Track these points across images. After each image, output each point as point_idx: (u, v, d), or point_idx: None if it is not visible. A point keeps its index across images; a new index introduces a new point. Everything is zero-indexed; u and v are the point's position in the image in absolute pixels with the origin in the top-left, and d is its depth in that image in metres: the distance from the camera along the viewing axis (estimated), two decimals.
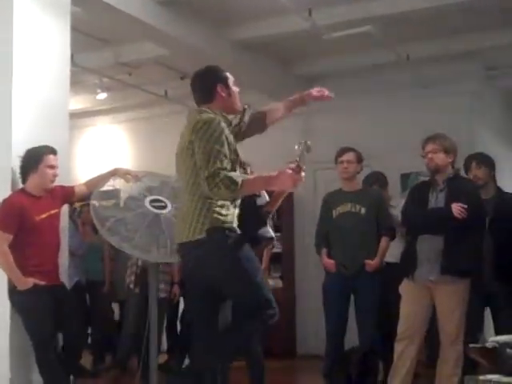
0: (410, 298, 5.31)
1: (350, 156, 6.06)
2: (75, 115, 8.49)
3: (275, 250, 7.89)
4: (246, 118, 4.28)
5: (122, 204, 5.13)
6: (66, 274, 5.50)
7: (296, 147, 3.85)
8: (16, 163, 5.11)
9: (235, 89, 4.13)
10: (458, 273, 5.12)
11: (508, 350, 4.05)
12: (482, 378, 3.98)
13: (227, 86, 4.08)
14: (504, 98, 9.79)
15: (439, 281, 5.16)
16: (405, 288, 5.37)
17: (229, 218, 3.84)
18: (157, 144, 9.84)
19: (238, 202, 3.96)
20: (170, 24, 6.90)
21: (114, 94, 9.39)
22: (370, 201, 6.04)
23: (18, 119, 5.27)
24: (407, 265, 5.33)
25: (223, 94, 4.05)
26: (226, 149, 3.78)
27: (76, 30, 6.11)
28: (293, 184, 3.86)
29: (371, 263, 5.88)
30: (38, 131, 5.33)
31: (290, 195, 9.42)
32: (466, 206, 5.04)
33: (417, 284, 5.27)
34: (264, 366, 5.92)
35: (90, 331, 7.99)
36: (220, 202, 3.81)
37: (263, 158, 8.74)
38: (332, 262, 6.00)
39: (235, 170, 3.85)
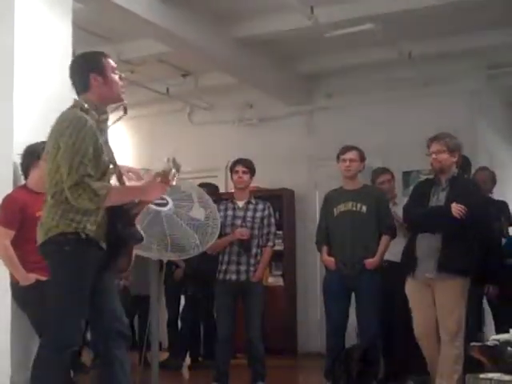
0: (415, 298, 5.41)
1: (352, 154, 6.05)
2: None
3: (276, 248, 7.85)
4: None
5: None
6: None
7: (165, 160, 3.73)
8: (18, 160, 5.12)
9: (114, 76, 3.80)
10: (454, 271, 5.16)
11: (509, 349, 4.06)
12: (482, 376, 3.99)
13: (103, 74, 3.75)
14: (505, 96, 9.79)
15: (437, 278, 5.22)
16: (409, 287, 5.46)
17: (83, 225, 3.63)
18: (158, 141, 9.84)
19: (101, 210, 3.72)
20: (172, 21, 6.89)
21: None
22: (370, 199, 6.04)
23: (19, 116, 5.27)
24: (408, 262, 5.39)
25: (97, 83, 3.74)
26: (90, 153, 3.57)
27: (78, 26, 6.11)
28: (159, 194, 3.84)
29: (371, 261, 5.89)
30: (39, 128, 5.29)
31: (292, 193, 9.43)
32: (464, 208, 5.07)
33: (418, 282, 5.35)
34: (265, 363, 5.94)
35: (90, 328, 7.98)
36: (75, 209, 3.61)
37: (266, 155, 8.81)
38: (332, 259, 6.00)
39: (105, 175, 3.68)
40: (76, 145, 3.54)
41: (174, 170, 3.66)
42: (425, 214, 5.36)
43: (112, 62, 3.85)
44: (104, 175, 3.67)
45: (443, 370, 5.20)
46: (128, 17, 6.53)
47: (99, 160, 3.63)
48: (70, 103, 5.78)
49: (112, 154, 3.81)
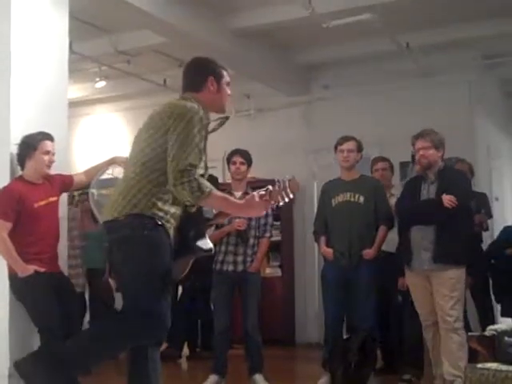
0: (414, 288, 5.48)
1: (350, 145, 6.04)
2: (74, 103, 8.47)
3: (274, 239, 7.88)
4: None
5: None
6: (65, 262, 5.51)
7: (278, 179, 3.53)
8: (15, 151, 5.11)
9: (227, 90, 3.89)
10: (450, 261, 5.23)
11: (506, 339, 4.06)
12: (480, 366, 3.99)
13: (219, 82, 3.83)
14: (503, 86, 9.79)
15: (434, 269, 5.28)
16: (408, 279, 5.55)
17: (162, 214, 3.52)
18: None
19: (181, 204, 3.61)
20: (169, 12, 6.87)
21: (112, 82, 9.38)
22: (368, 190, 6.04)
23: (16, 107, 5.26)
24: (403, 255, 5.48)
25: (212, 88, 3.80)
26: (202, 146, 3.53)
27: (75, 17, 6.09)
28: (258, 213, 3.62)
29: (369, 252, 5.89)
30: (36, 119, 5.32)
31: None
32: (454, 198, 5.15)
33: (415, 274, 5.42)
34: (263, 354, 5.95)
35: (88, 320, 8.00)
36: (163, 196, 3.52)
37: (264, 146, 8.81)
38: (330, 250, 6.01)
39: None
40: (193, 132, 3.48)
41: (286, 191, 3.44)
42: (416, 207, 5.45)
43: (228, 77, 3.91)
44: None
45: (449, 359, 5.23)
46: (125, 7, 6.51)
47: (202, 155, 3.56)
48: (67, 94, 5.83)
49: (206, 158, 3.69)
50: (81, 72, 8.66)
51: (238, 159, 6.04)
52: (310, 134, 9.32)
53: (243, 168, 6.05)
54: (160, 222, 3.51)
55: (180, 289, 8.08)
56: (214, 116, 3.84)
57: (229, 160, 6.12)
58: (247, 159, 6.07)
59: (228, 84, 3.90)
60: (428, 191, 5.44)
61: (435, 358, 5.46)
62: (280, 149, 9.29)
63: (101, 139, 10.65)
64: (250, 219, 5.92)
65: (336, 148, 6.10)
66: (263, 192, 3.49)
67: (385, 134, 8.60)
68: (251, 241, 5.94)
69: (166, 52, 8.58)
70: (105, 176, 5.26)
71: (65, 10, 5.74)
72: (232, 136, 8.84)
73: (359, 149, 6.09)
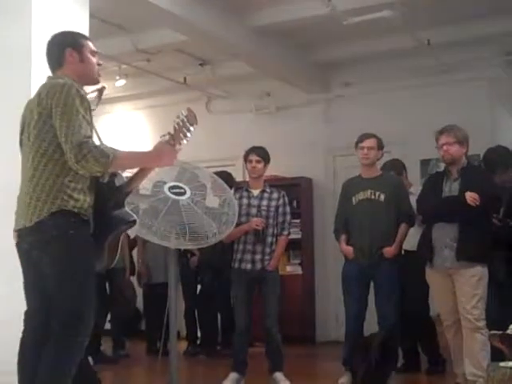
0: (436, 287, 5.50)
1: (371, 142, 6.01)
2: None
3: (294, 236, 7.87)
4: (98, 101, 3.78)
5: (145, 191, 5.11)
6: None
7: (174, 120, 3.47)
8: None
9: (91, 57, 3.64)
10: (472, 259, 5.20)
11: None
12: (502, 364, 3.96)
13: (80, 52, 3.59)
14: None
15: (456, 267, 5.25)
16: (429, 277, 5.53)
17: (81, 204, 3.33)
18: None
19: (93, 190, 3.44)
20: (189, 10, 6.88)
21: (132, 80, 9.41)
22: (389, 187, 6.01)
23: None
24: (425, 253, 5.45)
25: (73, 59, 3.56)
26: (88, 116, 3.34)
27: (95, 16, 6.11)
28: (170, 160, 3.50)
29: (389, 250, 5.86)
30: None
31: (310, 181, 9.41)
32: (478, 196, 5.12)
33: (437, 271, 5.40)
34: (283, 352, 5.94)
35: (109, 318, 8.03)
36: (73, 185, 3.31)
37: (284, 143, 8.80)
38: (350, 248, 5.99)
39: None
40: (76, 104, 3.31)
41: (186, 126, 3.40)
42: (440, 204, 5.41)
43: (92, 46, 3.68)
44: None
45: (472, 359, 5.20)
46: (145, 6, 6.52)
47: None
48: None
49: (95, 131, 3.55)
50: (101, 70, 8.66)
51: (253, 158, 6.04)
52: (330, 132, 9.30)
53: (259, 166, 6.04)
54: (86, 218, 3.35)
55: (199, 286, 8.10)
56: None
57: (245, 158, 6.12)
58: (263, 157, 6.06)
59: (93, 53, 3.67)
60: (450, 189, 5.41)
61: (456, 357, 5.43)
62: (300, 146, 9.28)
63: (121, 137, 10.67)
64: (267, 218, 5.90)
65: (356, 145, 6.08)
66: (166, 137, 3.41)
67: (405, 131, 8.56)
68: (269, 239, 5.93)
69: (186, 50, 8.60)
70: (124, 174, 5.26)
71: (85, 8, 5.76)
72: (252, 134, 8.87)
73: (380, 146, 6.06)
